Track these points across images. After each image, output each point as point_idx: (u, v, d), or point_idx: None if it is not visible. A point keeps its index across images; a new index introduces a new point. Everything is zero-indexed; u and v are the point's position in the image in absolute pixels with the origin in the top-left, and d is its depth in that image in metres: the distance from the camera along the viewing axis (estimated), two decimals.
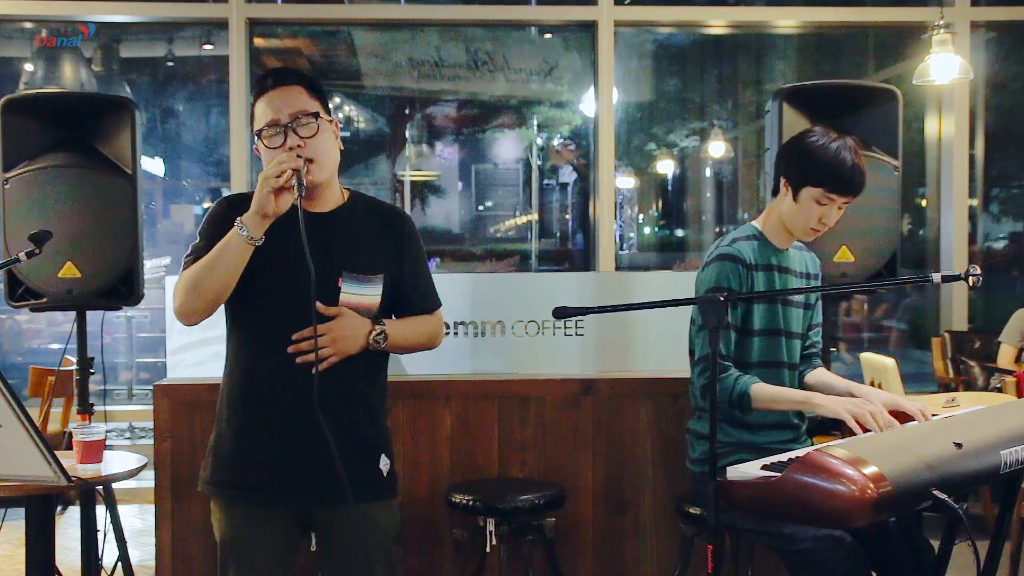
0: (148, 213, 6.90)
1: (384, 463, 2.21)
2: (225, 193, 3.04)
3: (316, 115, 2.12)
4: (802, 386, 2.76)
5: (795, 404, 2.51)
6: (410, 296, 2.27)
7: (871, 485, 1.73)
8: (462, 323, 3.43)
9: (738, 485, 1.96)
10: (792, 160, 2.59)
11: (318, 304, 2.04)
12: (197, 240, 2.18)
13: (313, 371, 2.02)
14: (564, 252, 7.76)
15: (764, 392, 2.49)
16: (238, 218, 2.03)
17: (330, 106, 2.22)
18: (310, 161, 2.08)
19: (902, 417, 2.41)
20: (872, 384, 4.34)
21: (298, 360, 2.08)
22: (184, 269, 2.14)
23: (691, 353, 2.68)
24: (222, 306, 2.15)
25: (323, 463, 2.03)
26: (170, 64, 6.95)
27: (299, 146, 2.08)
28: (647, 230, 8.43)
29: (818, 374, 2.76)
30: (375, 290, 2.18)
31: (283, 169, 1.99)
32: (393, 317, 2.26)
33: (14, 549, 4.43)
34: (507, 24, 6.70)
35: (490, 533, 2.98)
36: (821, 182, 2.51)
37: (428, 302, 2.32)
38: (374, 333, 2.14)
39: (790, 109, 3.44)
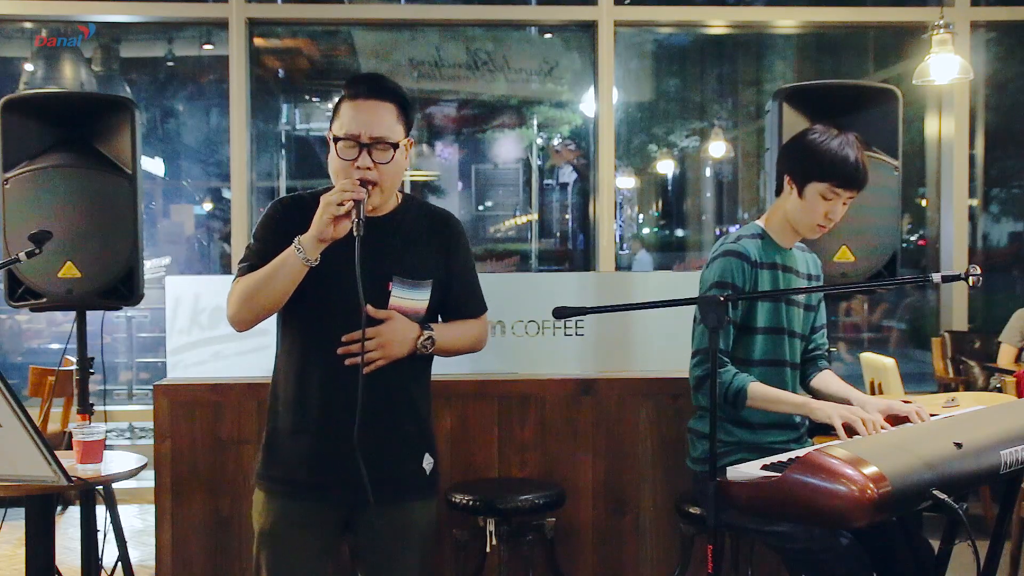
0: (148, 213, 6.90)
1: (428, 462, 2.24)
2: (225, 193, 3.04)
3: (396, 146, 2.12)
4: (806, 388, 2.76)
5: (791, 407, 2.51)
6: (457, 300, 2.29)
7: (871, 485, 1.73)
8: None
9: (738, 485, 1.96)
10: (796, 157, 2.60)
11: (368, 307, 2.06)
12: (252, 242, 2.20)
13: (360, 374, 2.04)
14: (564, 252, 7.76)
15: (761, 391, 2.49)
16: (297, 238, 2.04)
17: (411, 118, 2.19)
18: (374, 185, 2.10)
19: (899, 422, 2.41)
20: (872, 384, 4.35)
21: (347, 362, 2.10)
22: (239, 275, 2.16)
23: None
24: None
25: (368, 463, 2.04)
26: (170, 64, 6.95)
27: (368, 168, 2.09)
28: (646, 230, 8.43)
29: (823, 378, 2.76)
30: (424, 294, 2.20)
31: (346, 199, 2.01)
32: (439, 319, 2.28)
33: (14, 549, 4.43)
34: (507, 24, 6.70)
35: (490, 533, 2.98)
36: (826, 176, 2.52)
37: (475, 307, 2.34)
38: (422, 338, 2.16)
39: (790, 109, 3.44)
